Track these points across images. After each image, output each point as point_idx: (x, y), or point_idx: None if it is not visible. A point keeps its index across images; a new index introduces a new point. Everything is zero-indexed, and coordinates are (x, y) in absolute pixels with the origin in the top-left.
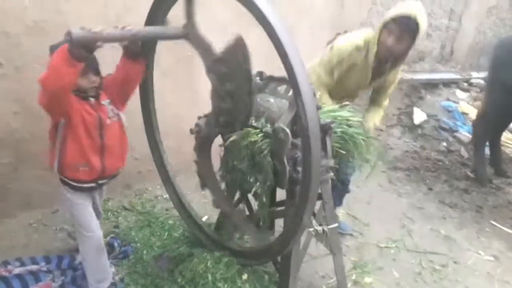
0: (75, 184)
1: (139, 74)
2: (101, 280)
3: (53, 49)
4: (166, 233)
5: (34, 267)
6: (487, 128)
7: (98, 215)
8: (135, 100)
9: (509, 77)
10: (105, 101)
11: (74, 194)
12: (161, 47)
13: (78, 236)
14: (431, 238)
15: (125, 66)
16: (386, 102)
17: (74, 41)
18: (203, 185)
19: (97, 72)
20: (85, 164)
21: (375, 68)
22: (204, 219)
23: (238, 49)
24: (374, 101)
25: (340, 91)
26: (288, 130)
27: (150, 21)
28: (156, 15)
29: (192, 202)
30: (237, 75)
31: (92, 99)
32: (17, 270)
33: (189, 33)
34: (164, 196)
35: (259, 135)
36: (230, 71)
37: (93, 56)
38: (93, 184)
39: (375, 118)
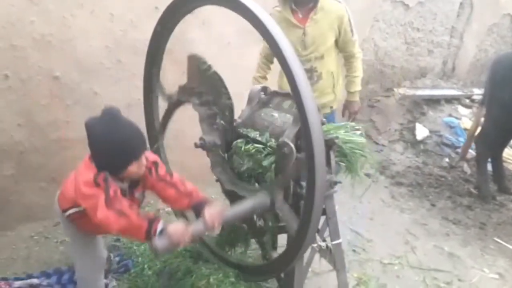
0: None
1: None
2: None
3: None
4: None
5: (34, 281)
6: (488, 145)
7: None
8: (138, 112)
9: (507, 94)
10: (138, 193)
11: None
12: (166, 62)
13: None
14: (435, 255)
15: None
16: (357, 48)
17: (159, 253)
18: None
19: (146, 148)
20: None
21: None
22: (206, 233)
23: (193, 65)
24: (345, 56)
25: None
26: (292, 145)
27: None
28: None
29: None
30: (211, 86)
31: (127, 193)
32: (17, 284)
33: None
34: (166, 210)
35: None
36: (204, 88)
37: (139, 131)
38: None
39: (356, 87)
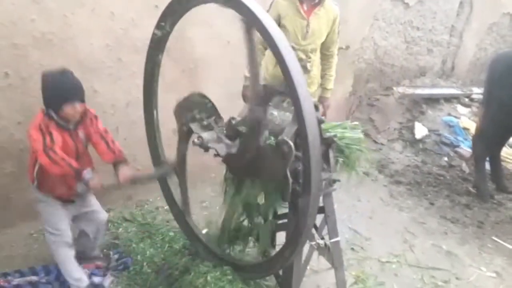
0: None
1: None
2: (78, 279)
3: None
4: (167, 245)
5: (33, 278)
6: (486, 144)
7: (100, 222)
8: (138, 111)
9: (505, 93)
10: (81, 132)
11: (50, 199)
12: (165, 60)
13: (46, 236)
14: (433, 254)
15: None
16: (336, 50)
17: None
18: None
19: (82, 101)
20: (63, 189)
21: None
22: (204, 231)
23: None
24: (327, 55)
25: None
26: (291, 143)
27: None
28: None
29: (192, 214)
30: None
31: (71, 129)
32: (16, 281)
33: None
34: (165, 208)
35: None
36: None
37: (80, 86)
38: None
39: (331, 85)
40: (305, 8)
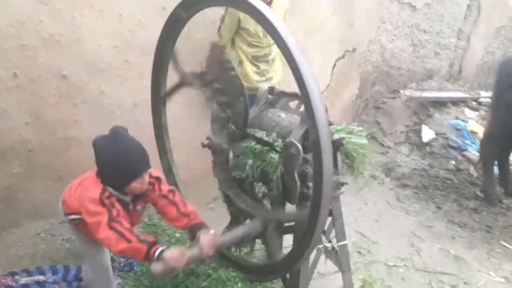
0: None
1: None
2: None
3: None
4: (173, 246)
5: (40, 278)
6: (494, 147)
7: None
8: (145, 112)
9: None
10: (141, 206)
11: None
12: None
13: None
14: (440, 258)
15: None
16: None
17: (156, 277)
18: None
19: (149, 166)
20: None
21: None
22: (212, 231)
23: (216, 57)
24: None
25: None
26: (299, 145)
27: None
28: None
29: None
30: (230, 87)
31: (130, 206)
32: (23, 280)
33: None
34: None
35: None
36: (223, 86)
37: (144, 151)
38: None
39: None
40: None
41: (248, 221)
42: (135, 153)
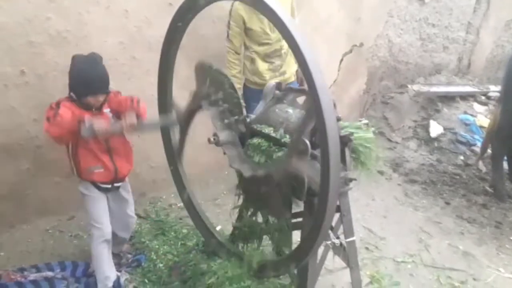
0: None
1: None
2: (106, 277)
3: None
4: (180, 242)
5: (49, 274)
6: (503, 143)
7: (127, 223)
8: (152, 109)
9: None
10: (106, 109)
11: (90, 188)
12: (180, 59)
13: (90, 229)
14: (449, 254)
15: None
16: None
17: (84, 135)
18: None
19: (106, 92)
20: (98, 167)
21: None
22: (218, 228)
23: (200, 71)
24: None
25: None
26: (307, 141)
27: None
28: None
29: (206, 212)
30: (217, 85)
31: (93, 109)
32: (32, 276)
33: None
34: (178, 205)
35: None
36: (212, 89)
37: (105, 78)
38: (108, 186)
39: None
40: None
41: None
42: (97, 75)
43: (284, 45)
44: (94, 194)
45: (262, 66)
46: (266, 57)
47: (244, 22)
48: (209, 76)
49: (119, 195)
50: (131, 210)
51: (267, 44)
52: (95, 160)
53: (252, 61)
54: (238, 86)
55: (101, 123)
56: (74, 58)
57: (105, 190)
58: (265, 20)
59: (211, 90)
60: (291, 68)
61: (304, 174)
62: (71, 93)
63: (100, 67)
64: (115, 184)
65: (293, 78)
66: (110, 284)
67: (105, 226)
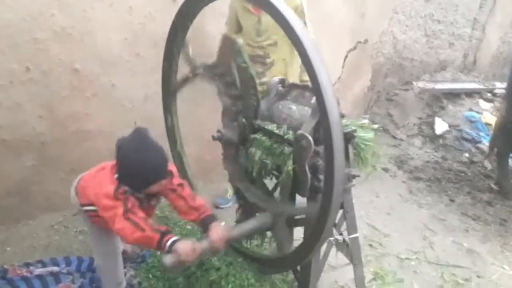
0: None
1: None
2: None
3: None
4: (184, 239)
5: (55, 269)
6: (509, 140)
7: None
8: (156, 105)
9: None
10: (155, 201)
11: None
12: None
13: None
14: (453, 251)
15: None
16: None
17: (167, 269)
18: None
19: (167, 177)
20: None
21: None
22: (222, 223)
23: (228, 49)
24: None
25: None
26: (310, 138)
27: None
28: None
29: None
30: (241, 80)
31: (144, 201)
32: (38, 271)
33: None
34: None
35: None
36: (235, 79)
37: (166, 158)
38: None
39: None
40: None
41: (258, 214)
42: (159, 159)
43: (272, 55)
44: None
45: None
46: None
47: (237, 17)
48: (237, 66)
49: None
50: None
51: (251, 46)
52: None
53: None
54: None
55: (186, 247)
56: (122, 146)
57: None
58: (252, 22)
59: (232, 79)
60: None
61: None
62: (126, 188)
63: (154, 144)
64: None
65: None
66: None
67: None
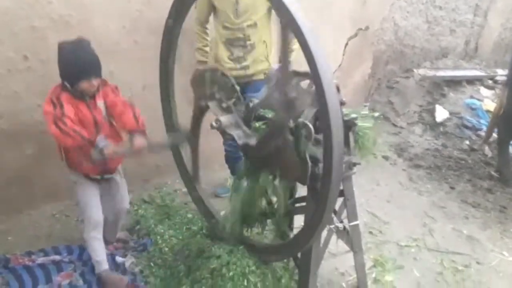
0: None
1: None
2: (99, 263)
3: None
4: (185, 227)
5: (57, 257)
6: (510, 127)
7: (119, 211)
8: (155, 93)
9: None
10: (100, 101)
11: (80, 176)
12: (182, 40)
13: (80, 216)
14: (453, 238)
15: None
16: None
17: (94, 158)
18: None
19: (99, 75)
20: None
21: None
22: (222, 213)
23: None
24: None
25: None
26: (311, 126)
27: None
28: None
29: (210, 197)
30: (210, 82)
31: (88, 99)
32: (40, 260)
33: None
34: (183, 190)
35: None
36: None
37: (96, 61)
38: (98, 177)
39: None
40: None
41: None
42: (88, 58)
43: (252, 37)
44: (84, 182)
45: (222, 52)
46: (228, 44)
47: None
48: (205, 79)
49: (111, 185)
50: (123, 199)
51: (230, 29)
52: (83, 157)
53: (216, 45)
54: (202, 58)
55: (111, 147)
56: (61, 44)
57: (95, 181)
58: (229, 3)
59: (208, 88)
60: (257, 65)
61: None
62: (65, 82)
63: (89, 49)
64: (105, 176)
65: (260, 77)
66: (106, 266)
67: (94, 213)
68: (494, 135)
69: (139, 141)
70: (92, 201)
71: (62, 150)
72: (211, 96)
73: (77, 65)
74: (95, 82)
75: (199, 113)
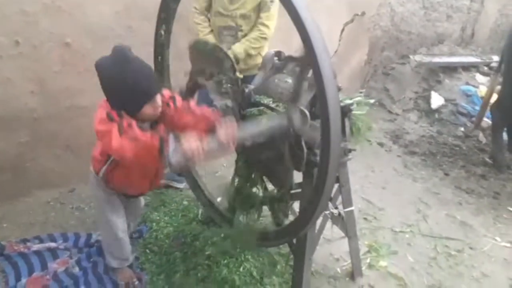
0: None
1: None
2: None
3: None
4: (181, 214)
5: (52, 245)
6: (504, 113)
7: (138, 214)
8: None
9: None
10: (159, 128)
11: (113, 196)
12: (179, 28)
13: (102, 230)
14: (446, 224)
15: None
16: (267, 22)
17: (174, 169)
18: None
19: (160, 89)
20: (133, 188)
21: None
22: (218, 199)
23: (194, 50)
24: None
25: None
26: (307, 112)
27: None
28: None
29: (207, 184)
30: (211, 58)
31: (147, 128)
32: (35, 247)
33: None
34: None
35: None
36: (206, 64)
37: (150, 69)
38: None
39: (238, 47)
40: None
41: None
42: (145, 74)
43: (244, 28)
44: (114, 199)
45: (214, 40)
46: (219, 32)
47: None
48: (203, 54)
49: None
50: (141, 209)
51: (222, 15)
52: (132, 186)
53: (211, 32)
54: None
55: (192, 140)
56: (101, 64)
57: (124, 197)
58: None
59: (204, 66)
60: (249, 59)
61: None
62: (122, 112)
63: (137, 60)
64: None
65: (253, 72)
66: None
67: (120, 233)
68: (487, 121)
69: (228, 128)
70: (119, 223)
71: (103, 169)
72: (210, 76)
73: (139, 90)
74: (159, 100)
75: (192, 87)
